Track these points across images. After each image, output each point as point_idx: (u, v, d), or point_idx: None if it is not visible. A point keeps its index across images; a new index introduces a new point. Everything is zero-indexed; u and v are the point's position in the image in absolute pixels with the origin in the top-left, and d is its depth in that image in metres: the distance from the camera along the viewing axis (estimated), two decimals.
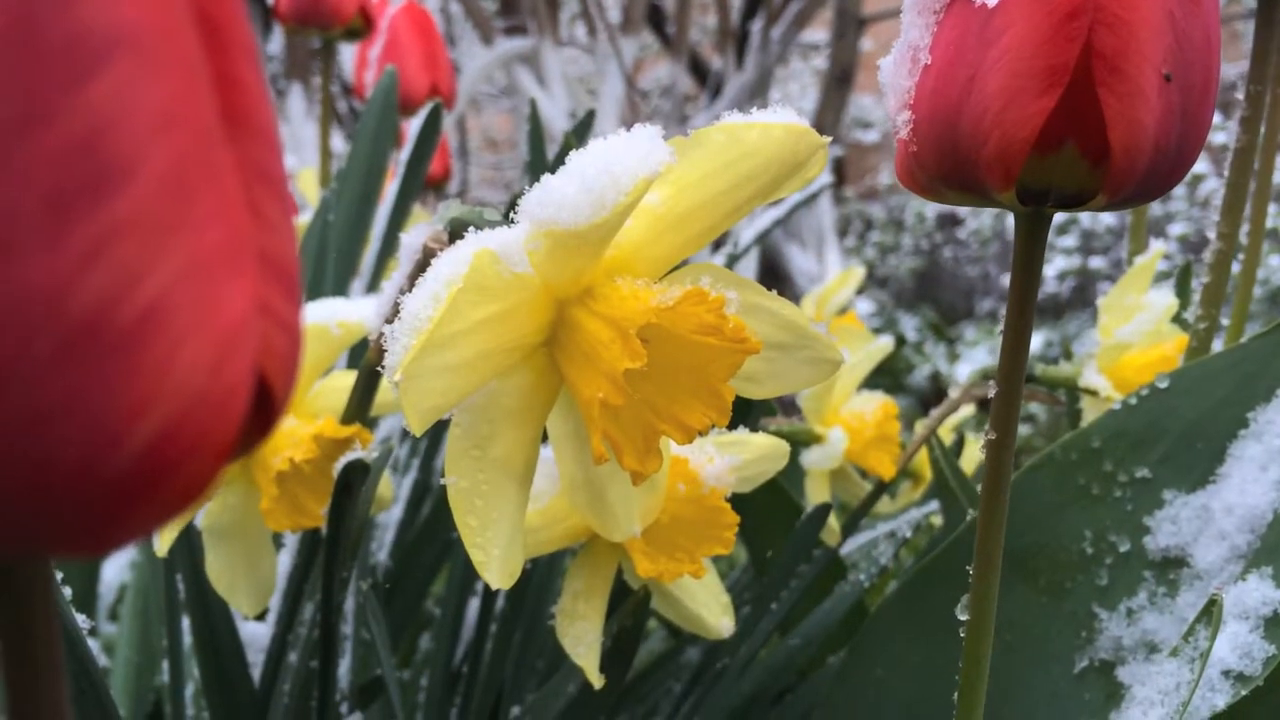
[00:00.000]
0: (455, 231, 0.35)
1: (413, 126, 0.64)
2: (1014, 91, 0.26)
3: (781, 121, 0.28)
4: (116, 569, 0.84)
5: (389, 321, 0.37)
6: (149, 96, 0.12)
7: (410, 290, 0.36)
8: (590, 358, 0.28)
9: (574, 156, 0.27)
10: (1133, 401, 0.44)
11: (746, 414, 0.56)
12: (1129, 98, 0.26)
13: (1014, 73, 0.26)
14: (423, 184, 0.65)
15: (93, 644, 0.44)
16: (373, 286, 0.66)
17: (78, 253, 0.12)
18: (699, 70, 3.29)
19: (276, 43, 2.56)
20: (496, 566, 0.29)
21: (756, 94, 2.79)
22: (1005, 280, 3.54)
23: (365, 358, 0.41)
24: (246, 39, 0.15)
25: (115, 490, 0.12)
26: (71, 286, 0.12)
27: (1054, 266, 2.92)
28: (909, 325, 3.14)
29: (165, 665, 0.60)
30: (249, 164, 0.14)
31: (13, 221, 0.11)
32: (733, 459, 0.40)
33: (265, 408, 0.15)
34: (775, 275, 2.72)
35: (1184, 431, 0.42)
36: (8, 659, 0.15)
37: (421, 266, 0.36)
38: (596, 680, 0.41)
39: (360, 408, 0.42)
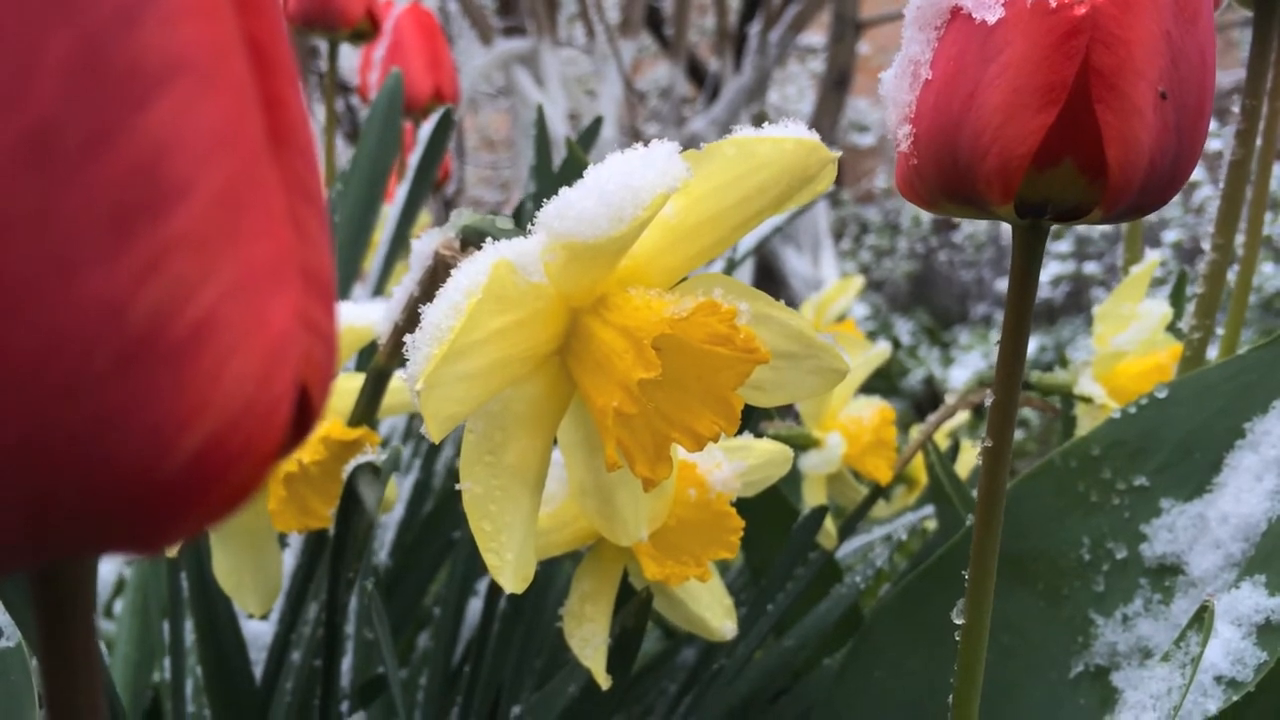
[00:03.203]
0: (467, 238, 0.35)
1: (421, 131, 0.64)
2: (1013, 107, 0.27)
3: (792, 135, 0.29)
4: (112, 565, 0.84)
5: (402, 328, 0.38)
6: (205, 117, 0.13)
7: (420, 295, 0.37)
8: (604, 367, 0.28)
9: (591, 171, 0.27)
10: (1132, 411, 0.44)
11: (747, 419, 0.56)
12: (1125, 115, 0.27)
13: (1013, 89, 0.27)
14: (431, 188, 0.66)
15: None
16: (379, 290, 0.66)
17: (136, 268, 0.12)
18: (697, 72, 3.29)
19: None
20: (510, 571, 0.30)
21: (754, 97, 2.80)
22: (1000, 285, 3.56)
23: (373, 361, 0.42)
24: (288, 60, 0.15)
25: (167, 493, 0.13)
26: (129, 300, 0.12)
27: (1049, 271, 2.94)
28: (903, 329, 3.15)
29: (166, 662, 0.61)
30: (292, 181, 0.15)
31: (78, 238, 0.12)
32: (739, 464, 0.41)
33: (304, 414, 0.15)
34: (771, 277, 2.73)
35: (1182, 441, 0.43)
36: (48, 657, 0.16)
37: (432, 272, 0.36)
38: (604, 681, 0.41)
39: (368, 410, 0.43)
